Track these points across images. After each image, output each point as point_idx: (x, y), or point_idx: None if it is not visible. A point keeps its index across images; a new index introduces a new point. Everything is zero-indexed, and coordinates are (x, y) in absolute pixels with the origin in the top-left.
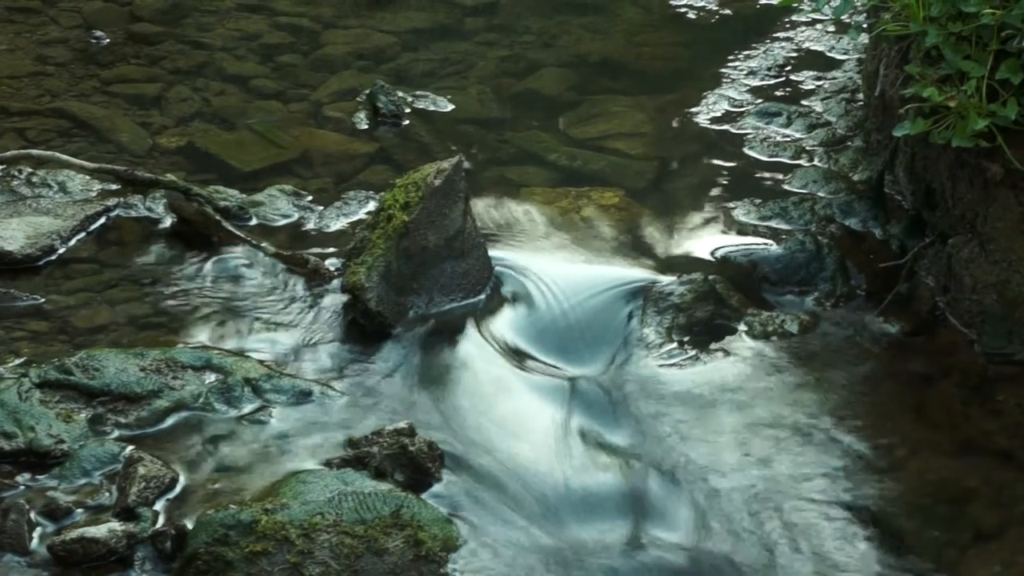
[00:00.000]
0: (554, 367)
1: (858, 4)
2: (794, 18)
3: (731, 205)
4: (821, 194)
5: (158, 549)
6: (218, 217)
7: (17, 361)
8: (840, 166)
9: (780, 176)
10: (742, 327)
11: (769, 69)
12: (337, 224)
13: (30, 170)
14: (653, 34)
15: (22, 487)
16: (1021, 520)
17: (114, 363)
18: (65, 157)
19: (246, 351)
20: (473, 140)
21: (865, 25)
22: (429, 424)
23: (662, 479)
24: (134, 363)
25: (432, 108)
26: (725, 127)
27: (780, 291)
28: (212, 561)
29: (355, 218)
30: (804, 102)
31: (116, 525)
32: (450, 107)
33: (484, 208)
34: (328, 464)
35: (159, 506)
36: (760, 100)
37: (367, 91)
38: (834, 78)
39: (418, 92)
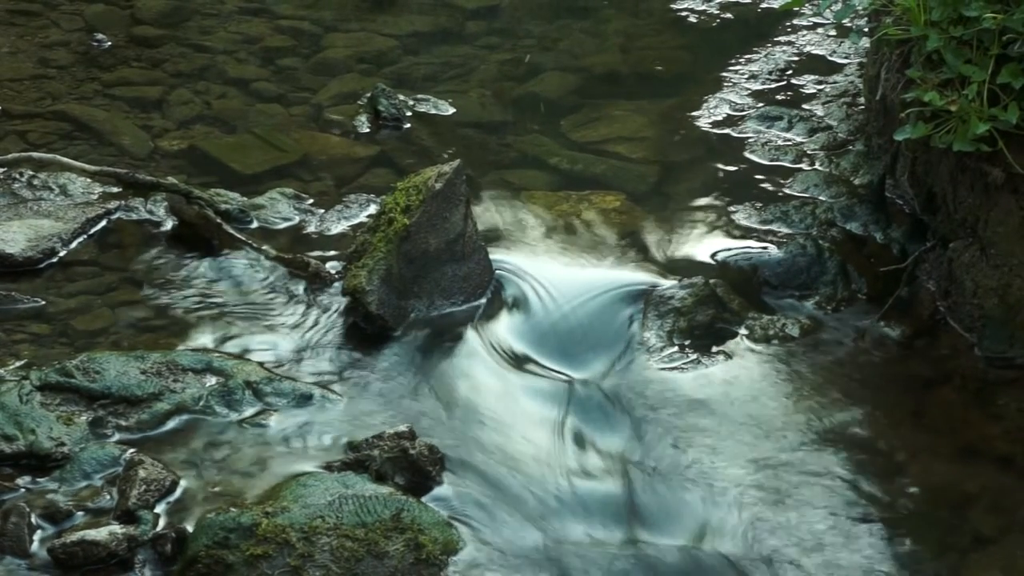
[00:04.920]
0: (555, 371)
1: (859, 8)
2: (795, 22)
3: (732, 209)
4: (822, 198)
5: (158, 552)
6: (219, 220)
7: (18, 364)
8: (841, 170)
9: (781, 180)
10: (743, 331)
11: (770, 73)
12: (338, 227)
13: (31, 173)
14: (654, 38)
15: (23, 490)
16: (1021, 525)
17: (115, 366)
18: (66, 160)
19: (247, 354)
20: (474, 143)
21: (866, 29)
22: (430, 427)
23: (662, 483)
24: (135, 366)
25: (433, 111)
26: (726, 131)
27: (781, 295)
28: (213, 564)
29: (356, 221)
30: (805, 106)
31: (117, 528)
32: (451, 111)
33: (485, 211)
34: (329, 467)
35: (160, 509)
36: (761, 104)
37: (368, 94)
38: (835, 82)
39: (419, 95)
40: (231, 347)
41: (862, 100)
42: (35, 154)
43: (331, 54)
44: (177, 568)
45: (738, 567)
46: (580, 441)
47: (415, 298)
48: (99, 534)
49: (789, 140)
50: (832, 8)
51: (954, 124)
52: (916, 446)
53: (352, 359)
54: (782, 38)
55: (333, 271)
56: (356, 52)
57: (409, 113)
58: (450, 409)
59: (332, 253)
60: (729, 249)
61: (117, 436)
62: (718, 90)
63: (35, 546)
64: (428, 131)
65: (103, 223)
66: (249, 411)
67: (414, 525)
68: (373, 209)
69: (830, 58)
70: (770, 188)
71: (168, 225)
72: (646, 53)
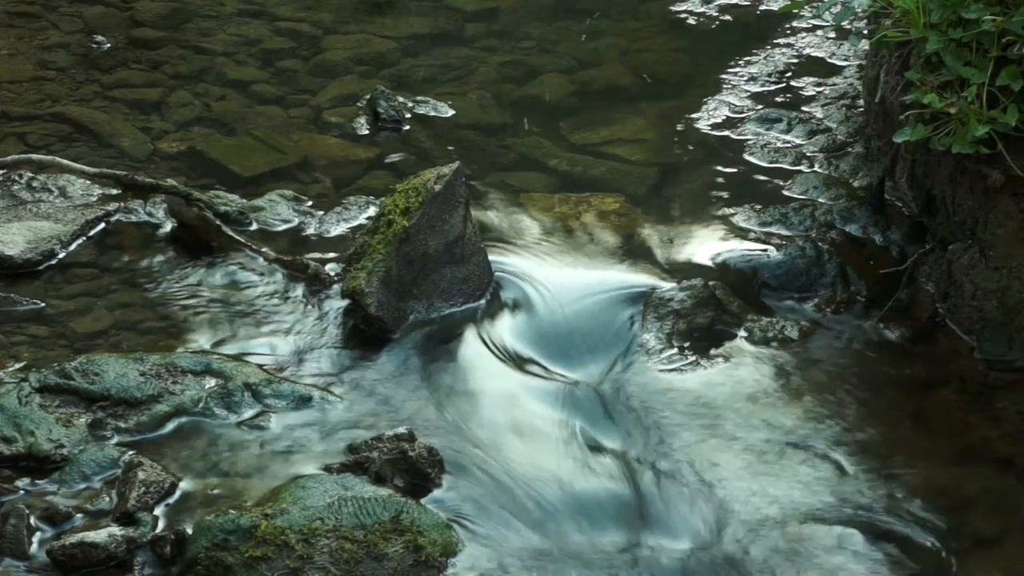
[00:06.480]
0: (554, 372)
1: (859, 10)
2: (794, 24)
3: (731, 211)
4: (821, 200)
5: (158, 554)
6: (218, 222)
7: (17, 366)
8: (840, 172)
9: (780, 182)
10: (742, 333)
11: (769, 75)
12: (337, 229)
13: (31, 175)
14: (653, 40)
15: (22, 492)
16: (1021, 527)
17: (114, 368)
18: (66, 162)
19: (246, 356)
20: (473, 146)
21: (866, 31)
22: (429, 429)
23: (662, 485)
24: (134, 368)
25: (433, 113)
26: (725, 133)
27: (780, 297)
28: (212, 566)
29: (355, 223)
30: (804, 108)
31: (116, 530)
32: (450, 112)
33: (484, 213)
34: (328, 469)
35: (159, 511)
36: (761, 106)
37: (367, 96)
38: (834, 84)
39: (419, 97)
40: (230, 349)
41: (861, 102)
42: (34, 156)
43: (330, 56)
44: (176, 570)
45: (737, 570)
46: (579, 443)
47: (414, 300)
48: (98, 536)
49: (788, 142)
50: (832, 10)
51: (953, 126)
52: (915, 448)
53: (351, 361)
54: (781, 40)
55: (332, 273)
56: (355, 54)
57: (408, 115)
58: (449, 411)
59: (331, 255)
60: (728, 251)
61: (116, 438)
62: (717, 92)
63: (34, 548)
64: (427, 133)
65: (102, 225)
66: (248, 413)
67: (413, 527)
68: (372, 211)
69: (829, 60)
70: (769, 190)
71: (167, 227)
72: (645, 55)
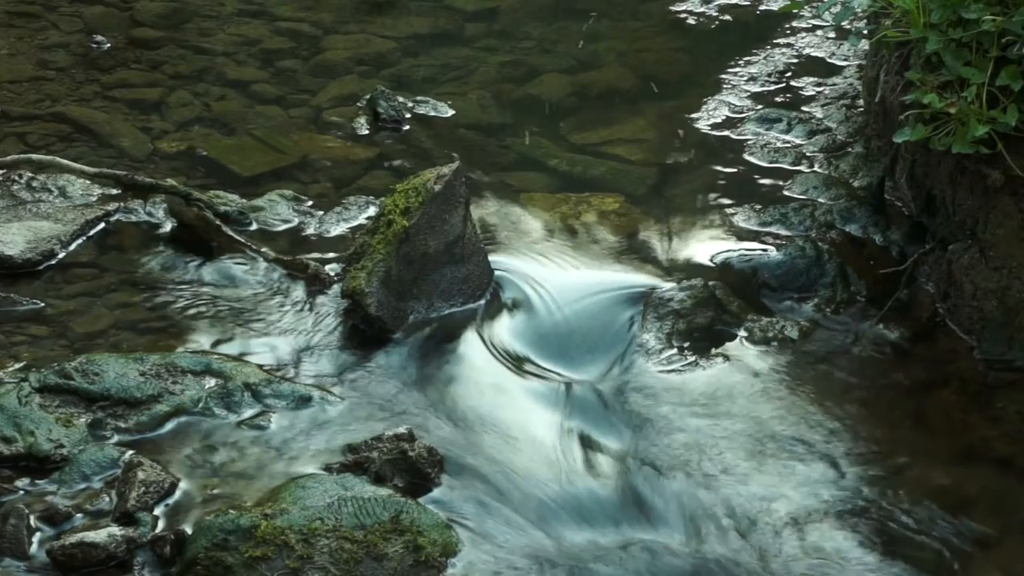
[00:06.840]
0: (554, 372)
1: (859, 10)
2: (794, 24)
3: (731, 211)
4: (821, 200)
5: (158, 554)
6: (218, 222)
7: (17, 365)
8: (840, 172)
9: (780, 182)
10: (742, 333)
11: (769, 75)
12: (337, 229)
13: (30, 175)
14: (653, 40)
15: (21, 492)
16: (1021, 527)
17: (114, 368)
18: (65, 162)
19: (246, 356)
20: (473, 145)
21: (865, 31)
22: (429, 429)
23: (661, 485)
24: (134, 368)
25: (433, 113)
26: (725, 133)
27: (780, 297)
28: (212, 566)
29: (355, 223)
30: (804, 108)
31: (116, 530)
32: (450, 112)
33: (484, 213)
34: (328, 469)
35: (159, 511)
36: (760, 106)
37: (367, 96)
38: (834, 84)
39: (418, 97)
40: (230, 349)
41: (861, 102)
42: (34, 156)
43: (330, 56)
44: (176, 570)
45: (735, 570)
46: (579, 443)
47: (414, 300)
48: (98, 536)
49: (788, 142)
50: (832, 10)
51: (953, 126)
52: (915, 448)
53: (351, 361)
54: (781, 40)
55: (332, 273)
56: (355, 54)
57: (408, 115)
58: (449, 411)
59: (331, 255)
60: (728, 251)
61: (116, 438)
62: (717, 92)
63: (34, 548)
64: (427, 133)
65: (102, 225)
66: (248, 413)
67: (413, 527)
68: (372, 211)
69: (829, 60)
70: (769, 190)
71: (167, 227)
72: (645, 55)
